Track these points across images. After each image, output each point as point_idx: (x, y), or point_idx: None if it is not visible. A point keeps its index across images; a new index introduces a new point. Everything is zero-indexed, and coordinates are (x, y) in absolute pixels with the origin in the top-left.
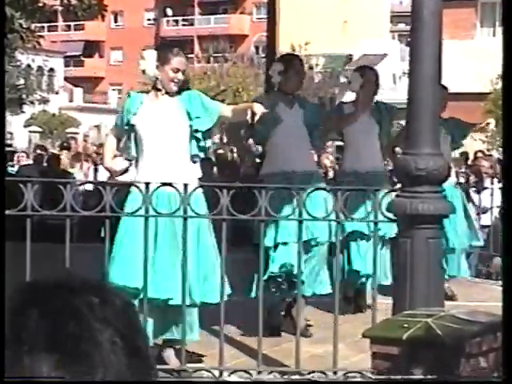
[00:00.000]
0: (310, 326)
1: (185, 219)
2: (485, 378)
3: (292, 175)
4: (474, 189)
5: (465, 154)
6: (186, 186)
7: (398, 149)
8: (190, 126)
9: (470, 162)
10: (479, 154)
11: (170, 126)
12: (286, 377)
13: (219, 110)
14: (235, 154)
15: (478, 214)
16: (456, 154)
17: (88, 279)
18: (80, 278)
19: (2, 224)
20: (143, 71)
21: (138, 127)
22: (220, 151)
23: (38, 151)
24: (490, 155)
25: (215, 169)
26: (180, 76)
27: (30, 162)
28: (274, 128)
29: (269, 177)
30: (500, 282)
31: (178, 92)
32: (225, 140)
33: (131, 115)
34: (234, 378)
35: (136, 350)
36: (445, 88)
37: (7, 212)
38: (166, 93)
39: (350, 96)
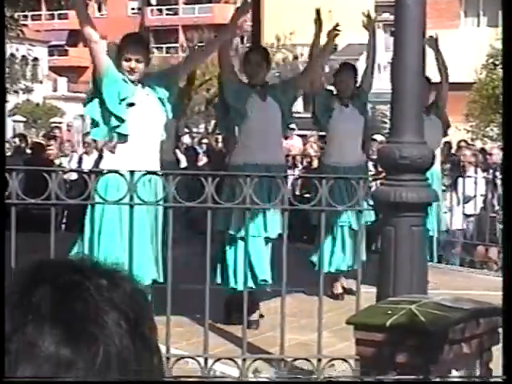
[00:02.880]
0: (262, 316)
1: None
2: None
3: (260, 168)
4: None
5: (448, 144)
6: (167, 174)
7: (379, 137)
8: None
9: (453, 152)
10: (462, 144)
11: (154, 115)
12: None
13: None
14: (220, 144)
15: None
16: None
17: (100, 263)
18: (92, 261)
19: (2, 222)
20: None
21: (130, 114)
22: (205, 140)
23: (17, 141)
24: (473, 145)
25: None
26: (133, 64)
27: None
28: (242, 119)
29: (237, 169)
30: (484, 271)
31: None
32: (210, 129)
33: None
34: (218, 365)
35: (141, 335)
36: (427, 79)
37: None
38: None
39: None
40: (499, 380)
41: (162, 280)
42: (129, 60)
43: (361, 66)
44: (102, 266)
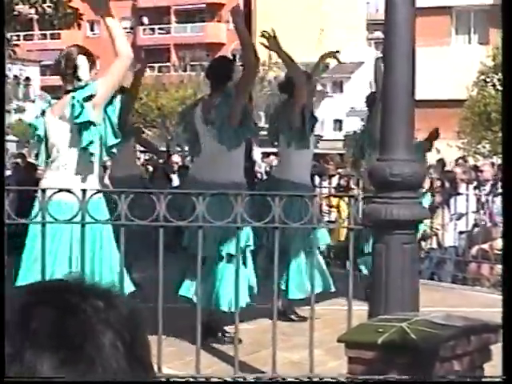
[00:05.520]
0: (226, 333)
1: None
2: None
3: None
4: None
5: (441, 161)
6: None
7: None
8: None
9: (449, 169)
10: (461, 161)
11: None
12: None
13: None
14: None
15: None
16: (433, 160)
17: (96, 284)
18: (88, 282)
19: (2, 229)
20: None
21: None
22: None
23: (19, 161)
24: (466, 161)
25: None
26: None
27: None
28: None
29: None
30: (476, 288)
31: None
32: None
33: None
34: None
35: (137, 358)
36: None
37: None
38: None
39: (326, 104)
40: (499, 380)
41: None
42: None
43: (353, 84)
44: (98, 286)
